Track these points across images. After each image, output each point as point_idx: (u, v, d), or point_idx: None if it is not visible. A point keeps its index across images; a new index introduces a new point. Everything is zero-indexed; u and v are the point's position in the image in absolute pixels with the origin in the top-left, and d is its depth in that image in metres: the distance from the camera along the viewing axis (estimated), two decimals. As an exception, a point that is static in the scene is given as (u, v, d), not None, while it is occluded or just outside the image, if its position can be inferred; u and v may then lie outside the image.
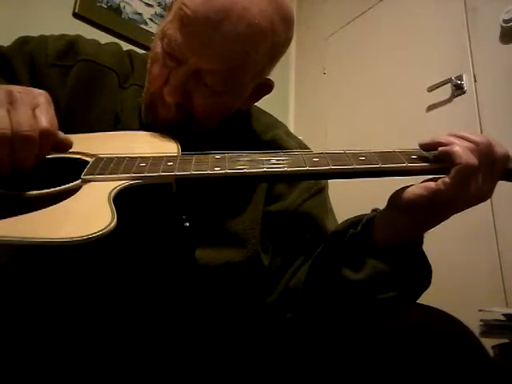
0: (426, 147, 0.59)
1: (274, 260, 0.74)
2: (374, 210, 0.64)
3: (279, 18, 0.67)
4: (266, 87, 0.77)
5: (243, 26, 0.63)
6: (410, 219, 0.58)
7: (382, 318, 0.57)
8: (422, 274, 0.61)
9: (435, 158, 0.58)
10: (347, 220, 0.67)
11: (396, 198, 0.59)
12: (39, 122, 0.53)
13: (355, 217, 0.66)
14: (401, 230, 0.59)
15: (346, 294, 0.61)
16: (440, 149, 0.57)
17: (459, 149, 0.55)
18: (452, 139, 0.57)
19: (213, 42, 0.63)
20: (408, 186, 0.57)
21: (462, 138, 0.57)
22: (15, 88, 0.55)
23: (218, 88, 0.67)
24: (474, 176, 0.54)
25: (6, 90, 0.54)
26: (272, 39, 0.68)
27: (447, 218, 0.58)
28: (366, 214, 0.64)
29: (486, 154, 0.55)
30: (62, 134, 0.58)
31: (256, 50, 0.67)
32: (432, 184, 0.55)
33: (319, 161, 0.58)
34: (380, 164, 0.57)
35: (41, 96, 0.56)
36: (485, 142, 0.55)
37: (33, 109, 0.54)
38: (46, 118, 0.54)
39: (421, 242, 0.62)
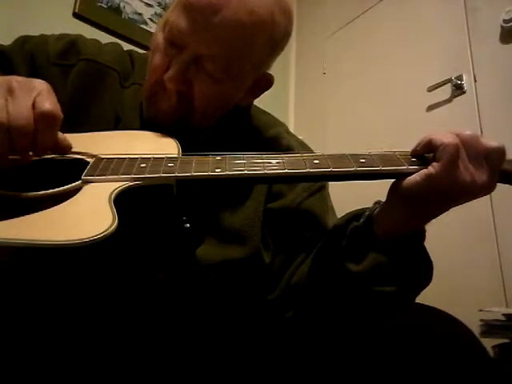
0: (415, 152, 0.59)
1: (276, 257, 0.74)
2: (377, 203, 0.64)
3: (279, 9, 0.69)
4: (266, 82, 0.77)
5: (243, 13, 0.64)
6: (408, 208, 0.58)
7: (382, 317, 0.57)
8: (422, 268, 0.61)
9: (434, 159, 0.58)
10: (349, 213, 0.67)
11: (394, 187, 0.59)
12: (41, 106, 0.53)
13: (357, 210, 0.66)
14: (400, 221, 0.60)
15: (347, 286, 0.61)
16: (421, 143, 0.58)
17: (437, 134, 0.56)
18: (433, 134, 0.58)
19: (213, 27, 0.64)
20: (405, 177, 0.58)
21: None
22: (15, 78, 0.55)
23: (218, 75, 0.68)
24: (459, 157, 0.54)
25: (4, 79, 0.54)
26: (272, 30, 0.68)
27: (446, 208, 0.58)
28: (368, 207, 0.65)
29: (470, 139, 0.55)
30: (60, 134, 0.58)
31: (256, 39, 0.67)
32: (425, 170, 0.56)
33: (320, 163, 0.58)
34: (380, 166, 0.57)
35: (41, 85, 0.56)
36: (468, 132, 0.56)
37: (33, 98, 0.53)
38: (48, 102, 0.54)
39: (422, 236, 0.62)
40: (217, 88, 0.69)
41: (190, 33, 0.65)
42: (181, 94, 0.69)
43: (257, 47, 0.69)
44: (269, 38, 0.69)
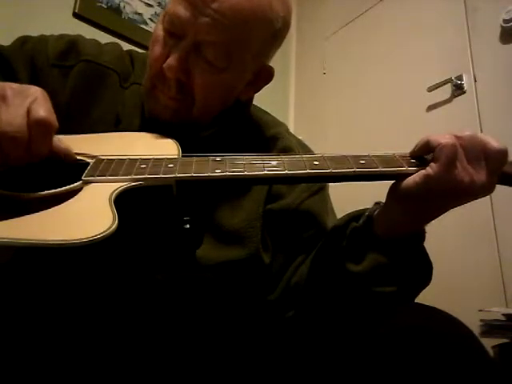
0: (414, 153, 0.60)
1: (275, 258, 0.74)
2: (377, 204, 0.64)
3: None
4: (266, 73, 0.77)
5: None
6: (407, 209, 0.58)
7: (382, 317, 0.57)
8: (422, 269, 0.61)
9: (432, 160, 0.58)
10: (349, 213, 0.68)
11: (393, 189, 0.59)
12: (35, 114, 0.52)
13: (357, 210, 0.67)
14: (400, 222, 0.60)
15: (347, 287, 0.62)
16: (419, 144, 0.58)
17: (435, 135, 0.57)
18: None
19: (211, 12, 0.65)
20: (404, 178, 0.58)
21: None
22: (9, 85, 0.55)
23: (218, 63, 0.68)
24: (456, 158, 0.54)
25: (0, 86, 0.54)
26: (271, 17, 0.69)
27: (446, 208, 0.58)
28: (368, 208, 0.65)
29: (469, 140, 0.55)
30: (64, 143, 0.59)
31: (255, 26, 0.68)
32: (423, 171, 0.56)
33: (320, 164, 0.58)
34: (380, 167, 0.57)
35: (36, 92, 0.56)
36: (467, 132, 0.56)
37: (27, 105, 0.53)
38: (42, 109, 0.53)
39: (422, 237, 0.62)
40: (217, 77, 0.69)
41: (189, 20, 0.66)
42: (181, 83, 0.68)
43: (256, 35, 0.69)
44: (268, 25, 0.69)
